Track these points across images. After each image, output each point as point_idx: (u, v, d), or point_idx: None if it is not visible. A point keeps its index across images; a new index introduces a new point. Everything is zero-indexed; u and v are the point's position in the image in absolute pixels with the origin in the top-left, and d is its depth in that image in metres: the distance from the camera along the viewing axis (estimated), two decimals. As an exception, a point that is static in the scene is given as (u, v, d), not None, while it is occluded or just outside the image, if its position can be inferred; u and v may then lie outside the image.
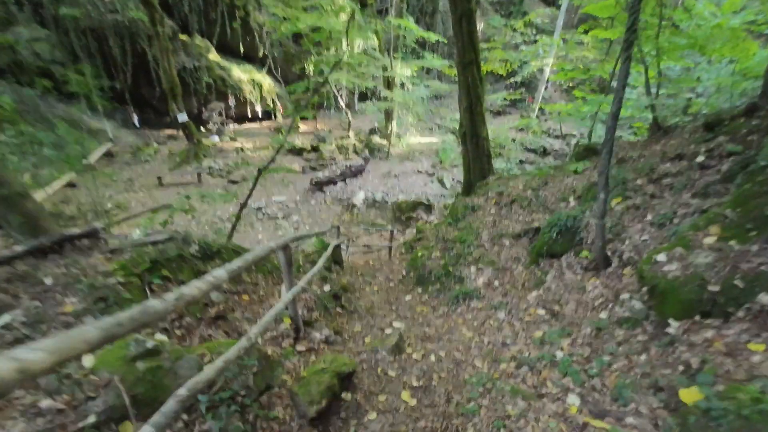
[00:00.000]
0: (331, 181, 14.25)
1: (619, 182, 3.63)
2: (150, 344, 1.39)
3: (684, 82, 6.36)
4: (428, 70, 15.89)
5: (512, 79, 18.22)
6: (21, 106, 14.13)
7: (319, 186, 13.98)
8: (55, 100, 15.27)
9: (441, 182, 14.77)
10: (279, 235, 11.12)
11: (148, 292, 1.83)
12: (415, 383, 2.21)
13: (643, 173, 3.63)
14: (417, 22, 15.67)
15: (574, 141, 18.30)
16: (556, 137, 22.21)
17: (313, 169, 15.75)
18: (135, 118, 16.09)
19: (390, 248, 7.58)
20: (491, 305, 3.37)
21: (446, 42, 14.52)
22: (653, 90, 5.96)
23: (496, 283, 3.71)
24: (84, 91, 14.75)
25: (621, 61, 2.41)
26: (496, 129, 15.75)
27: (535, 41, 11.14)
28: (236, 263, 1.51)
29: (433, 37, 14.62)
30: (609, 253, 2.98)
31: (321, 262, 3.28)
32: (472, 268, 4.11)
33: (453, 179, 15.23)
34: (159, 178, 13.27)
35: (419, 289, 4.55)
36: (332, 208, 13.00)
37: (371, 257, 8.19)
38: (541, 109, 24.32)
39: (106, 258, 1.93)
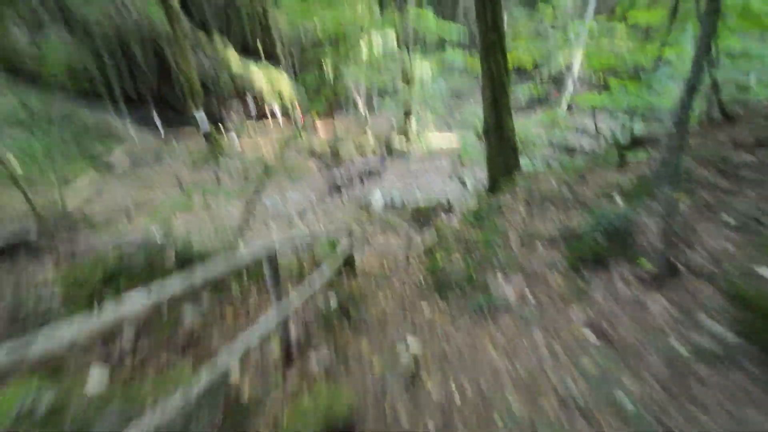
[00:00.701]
0: (348, 181, 13.93)
1: (680, 175, 3.02)
2: (49, 396, 1.01)
3: (746, 62, 5.55)
4: (450, 68, 15.30)
5: (539, 75, 17.27)
6: (49, 108, 14.63)
7: (335, 185, 13.69)
8: (81, 102, 15.75)
9: (461, 181, 14.15)
10: (293, 235, 10.90)
11: (96, 307, 1.49)
12: (431, 427, 1.76)
13: (711, 164, 3.00)
14: (437, 14, 15.06)
15: (604, 137, 17.19)
16: (585, 133, 21.02)
17: (330, 168, 15.48)
18: (156, 118, 16.37)
19: (407, 250, 7.12)
20: (523, 320, 2.85)
21: (467, 32, 13.88)
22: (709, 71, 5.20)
23: (528, 292, 3.18)
24: (107, 92, 15.14)
25: (705, 14, 1.85)
26: (521, 125, 14.93)
27: (565, 27, 10.35)
28: (197, 275, 1.11)
29: (453, 33, 14.02)
30: (674, 262, 2.40)
31: (326, 270, 2.88)
32: (499, 275, 3.59)
33: (474, 178, 14.57)
34: (178, 178, 13.37)
35: (437, 296, 4.07)
36: (348, 208, 12.68)
37: (386, 259, 7.76)
38: (569, 106, 23.13)
39: (58, 266, 1.62)
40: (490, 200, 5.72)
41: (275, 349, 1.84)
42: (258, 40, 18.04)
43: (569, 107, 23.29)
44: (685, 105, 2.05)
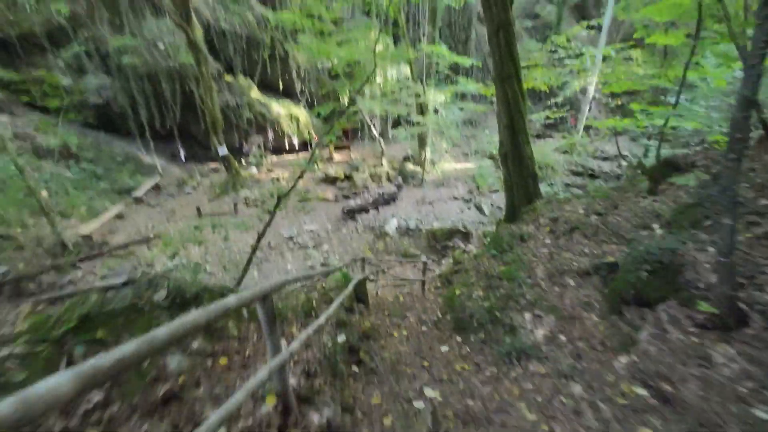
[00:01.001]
0: (363, 209, 13.85)
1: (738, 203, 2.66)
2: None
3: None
4: (463, 95, 15.48)
5: (553, 100, 17.23)
6: (85, 144, 15.59)
7: (351, 214, 13.63)
8: (115, 138, 16.75)
9: (479, 208, 13.81)
10: (308, 266, 10.75)
11: (64, 365, 1.30)
12: None
13: (768, 190, 2.65)
14: (450, 48, 15.49)
15: (626, 162, 16.67)
16: (605, 159, 20.51)
17: (346, 197, 15.53)
18: (181, 153, 17.12)
19: (423, 282, 6.77)
20: (559, 372, 2.47)
21: (480, 65, 14.10)
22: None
23: (563, 338, 2.80)
24: (138, 128, 16.06)
25: (758, 20, 1.63)
26: (538, 150, 14.70)
27: (580, 54, 10.30)
28: (163, 331, 0.90)
29: (466, 62, 14.31)
30: (743, 306, 2.02)
31: (336, 306, 2.63)
32: (527, 315, 3.22)
33: (492, 205, 14.23)
34: (198, 209, 13.66)
35: (458, 338, 3.71)
36: (364, 237, 12.50)
37: (402, 291, 7.40)
38: (586, 128, 22.84)
39: (34, 309, 1.46)
40: (511, 229, 5.40)
41: (270, 404, 1.58)
42: (278, 77, 18.97)
43: (586, 132, 22.99)
44: (741, 122, 1.78)
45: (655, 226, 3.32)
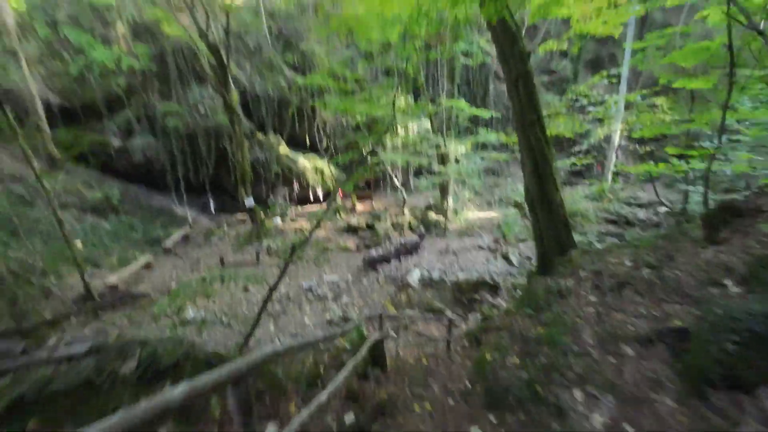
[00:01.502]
0: (385, 259, 13.47)
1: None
2: None
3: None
4: (484, 145, 15.64)
5: (577, 148, 16.99)
6: (126, 197, 16.69)
7: (372, 264, 13.25)
8: (153, 191, 17.90)
9: (506, 258, 13.08)
10: (326, 319, 10.22)
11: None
12: None
13: None
14: (469, 103, 16.02)
15: (663, 209, 15.69)
16: (639, 206, 19.51)
17: (368, 247, 15.30)
18: (211, 204, 17.90)
19: (449, 341, 6.09)
20: (632, 480, 1.85)
21: (500, 116, 14.37)
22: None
23: (629, 428, 2.18)
24: (174, 182, 17.13)
25: None
26: (567, 198, 14.16)
27: (602, 102, 10.19)
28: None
29: (485, 113, 14.65)
30: None
31: (343, 375, 2.22)
32: (577, 393, 2.62)
33: (520, 255, 13.45)
34: (221, 259, 13.81)
35: (492, 418, 3.08)
36: (385, 288, 11.95)
37: (425, 351, 6.70)
38: (615, 175, 22.17)
39: None
40: (546, 283, 4.84)
41: None
42: (305, 132, 20.18)
43: (616, 178, 22.27)
44: None
45: (728, 282, 2.75)
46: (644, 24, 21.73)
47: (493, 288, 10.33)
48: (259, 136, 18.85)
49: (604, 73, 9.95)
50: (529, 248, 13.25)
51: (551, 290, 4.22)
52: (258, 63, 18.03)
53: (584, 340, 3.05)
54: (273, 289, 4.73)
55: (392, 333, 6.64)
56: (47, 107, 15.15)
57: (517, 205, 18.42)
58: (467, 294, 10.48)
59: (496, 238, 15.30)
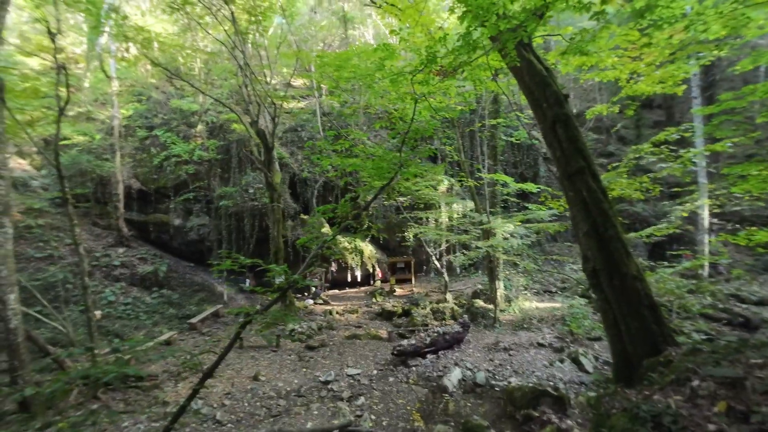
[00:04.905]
0: (418, 352, 11.21)
1: None
2: None
3: None
4: (534, 221, 13.95)
5: (650, 230, 13.60)
6: (173, 272, 17.37)
7: (402, 357, 11.06)
8: (198, 268, 18.54)
9: (576, 362, 10.07)
10: (333, 425, 8.05)
11: None
12: None
13: None
14: (517, 181, 15.07)
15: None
16: (757, 303, 15.02)
17: (401, 335, 13.26)
18: (247, 282, 17.77)
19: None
20: None
21: (551, 190, 12.98)
22: None
23: None
24: (217, 262, 17.60)
25: None
26: (650, 277, 11.06)
27: (679, 156, 8.28)
28: None
29: (532, 187, 13.44)
30: None
31: None
32: None
33: (597, 358, 10.28)
34: (241, 339, 12.77)
35: None
36: (415, 391, 9.50)
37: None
38: (713, 267, 18.28)
39: None
40: (635, 401, 2.90)
41: None
42: (347, 214, 20.38)
43: (714, 269, 18.26)
44: None
45: None
46: (712, 83, 20.22)
47: (559, 402, 7.50)
48: (304, 216, 19.40)
49: (673, 129, 8.24)
50: (606, 348, 10.16)
51: (644, 416, 2.35)
52: (309, 151, 19.66)
53: None
54: (204, 377, 3.48)
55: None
56: (128, 191, 17.45)
57: (585, 295, 15.31)
58: (522, 408, 7.72)
59: (561, 335, 12.31)
